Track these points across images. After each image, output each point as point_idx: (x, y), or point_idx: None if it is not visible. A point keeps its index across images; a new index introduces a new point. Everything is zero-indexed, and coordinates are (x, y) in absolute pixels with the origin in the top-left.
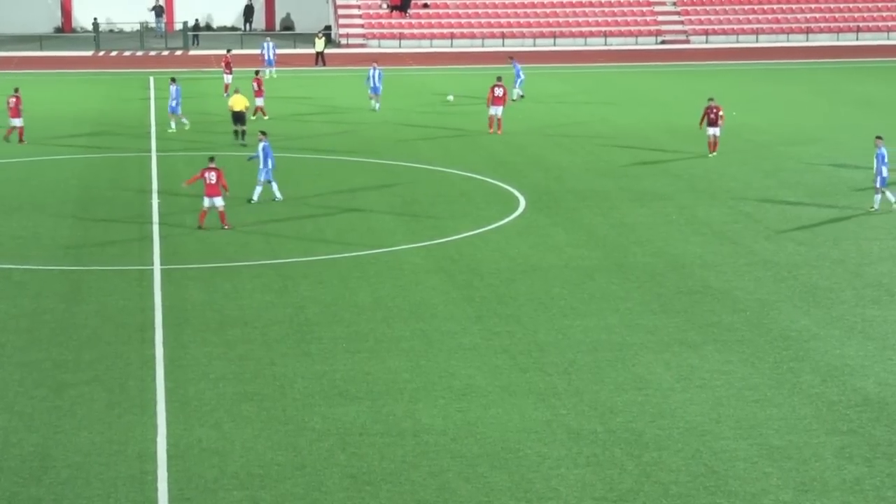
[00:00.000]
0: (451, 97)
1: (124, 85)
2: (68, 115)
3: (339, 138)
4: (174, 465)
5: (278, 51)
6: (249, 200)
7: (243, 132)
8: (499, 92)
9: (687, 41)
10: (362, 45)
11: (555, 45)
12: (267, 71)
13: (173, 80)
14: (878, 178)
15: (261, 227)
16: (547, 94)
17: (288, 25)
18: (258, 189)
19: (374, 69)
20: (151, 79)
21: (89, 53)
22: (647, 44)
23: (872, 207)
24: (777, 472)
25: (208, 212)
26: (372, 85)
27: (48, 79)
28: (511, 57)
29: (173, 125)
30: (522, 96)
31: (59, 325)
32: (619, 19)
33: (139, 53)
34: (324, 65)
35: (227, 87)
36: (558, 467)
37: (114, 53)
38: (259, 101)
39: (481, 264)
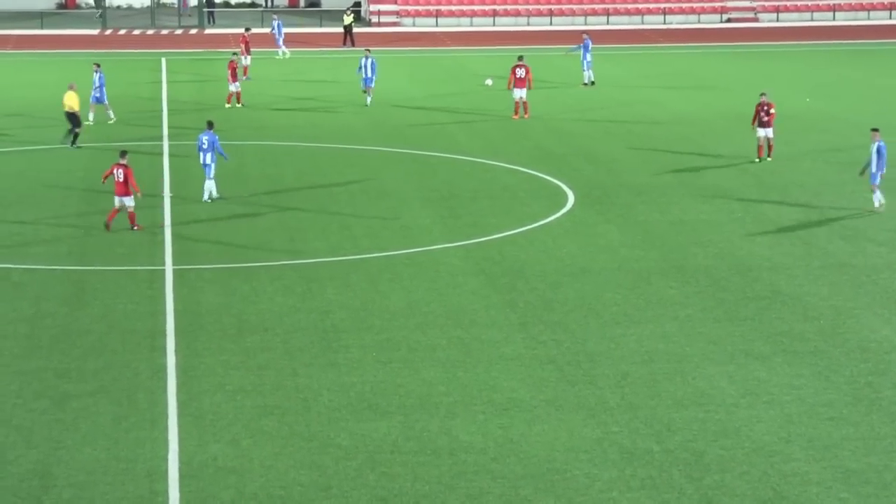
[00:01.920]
0: (489, 81)
1: (133, 67)
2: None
3: (369, 126)
4: (187, 485)
5: (289, 29)
6: (211, 198)
7: (76, 135)
8: (520, 73)
9: (755, 19)
10: (395, 24)
11: (608, 23)
12: (280, 52)
13: (97, 65)
14: (877, 175)
15: (282, 223)
16: (599, 77)
17: (313, 2)
18: (208, 183)
19: (367, 58)
20: (164, 60)
21: (95, 32)
22: (711, 22)
23: (874, 207)
24: (854, 497)
25: (118, 212)
26: (364, 76)
27: (50, 60)
28: (585, 34)
29: (91, 117)
30: (593, 83)
31: (61, 331)
32: None
33: (150, 32)
34: (353, 45)
35: (245, 69)
36: (610, 490)
37: (122, 32)
38: (233, 87)
39: (525, 266)
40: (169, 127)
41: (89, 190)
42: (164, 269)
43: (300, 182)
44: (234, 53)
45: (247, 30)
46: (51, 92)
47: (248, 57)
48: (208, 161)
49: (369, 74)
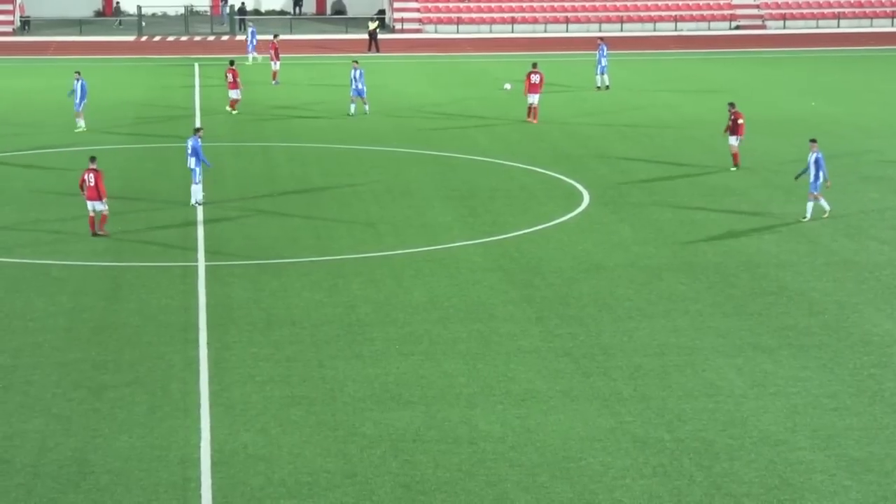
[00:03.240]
0: (508, 86)
1: (168, 72)
2: (109, 104)
3: (391, 128)
4: (218, 472)
5: (316, 36)
6: (198, 203)
7: None
8: (535, 79)
9: (763, 26)
10: (418, 31)
11: (622, 30)
12: (250, 57)
13: (78, 73)
14: (817, 184)
15: (309, 222)
16: (613, 82)
17: (339, 9)
18: (194, 189)
19: (356, 69)
20: (196, 65)
21: (131, 38)
22: (721, 29)
23: (804, 217)
24: (857, 485)
25: (95, 217)
26: (355, 87)
27: (87, 65)
28: (600, 40)
29: (82, 124)
30: (608, 87)
31: (98, 324)
32: (690, 3)
33: (183, 38)
34: (377, 51)
35: (274, 73)
36: (623, 478)
37: (157, 38)
38: (234, 94)
39: (542, 262)
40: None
41: (125, 190)
42: (196, 266)
43: (327, 182)
44: (232, 62)
45: (275, 36)
46: (89, 96)
47: (278, 62)
48: (193, 166)
49: (360, 86)
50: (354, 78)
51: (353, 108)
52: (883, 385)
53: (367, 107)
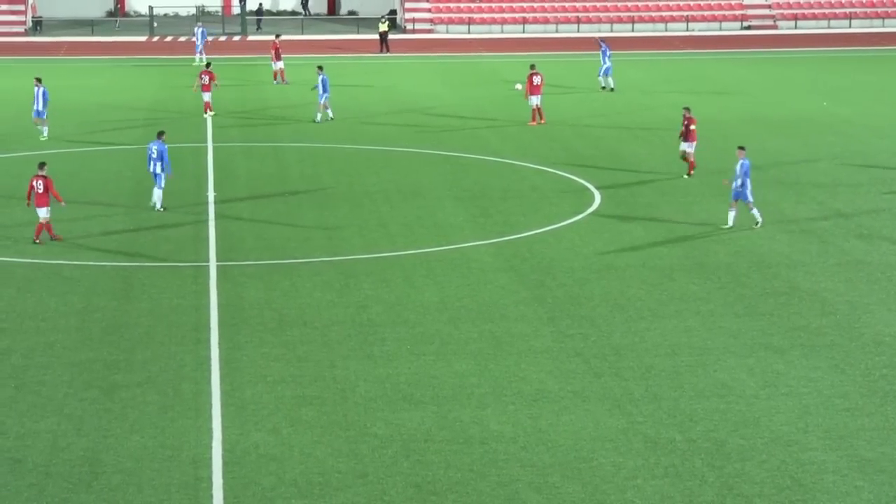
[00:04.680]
0: (519, 86)
1: (179, 72)
2: (121, 104)
3: (402, 128)
4: (230, 472)
5: (328, 36)
6: (154, 207)
7: None
8: (537, 80)
9: (774, 26)
10: (429, 31)
11: (633, 30)
12: (197, 58)
13: (38, 80)
14: (745, 192)
15: (321, 223)
16: (624, 82)
17: (350, 10)
18: (157, 192)
19: (319, 75)
20: None
21: (142, 39)
22: (732, 29)
23: (727, 225)
24: (869, 485)
25: (44, 225)
26: (320, 93)
27: (100, 65)
28: (601, 39)
29: (45, 131)
30: (612, 89)
31: (110, 324)
32: (701, 3)
33: (194, 39)
34: (388, 51)
35: (282, 73)
36: (634, 478)
37: (168, 39)
38: (206, 97)
39: (553, 263)
40: (213, 129)
41: (137, 189)
42: (208, 266)
43: (338, 182)
44: (208, 63)
45: (277, 37)
46: (100, 96)
47: (279, 63)
48: (158, 171)
49: (322, 91)
50: (319, 84)
51: (318, 116)
52: (895, 385)
53: (329, 112)
